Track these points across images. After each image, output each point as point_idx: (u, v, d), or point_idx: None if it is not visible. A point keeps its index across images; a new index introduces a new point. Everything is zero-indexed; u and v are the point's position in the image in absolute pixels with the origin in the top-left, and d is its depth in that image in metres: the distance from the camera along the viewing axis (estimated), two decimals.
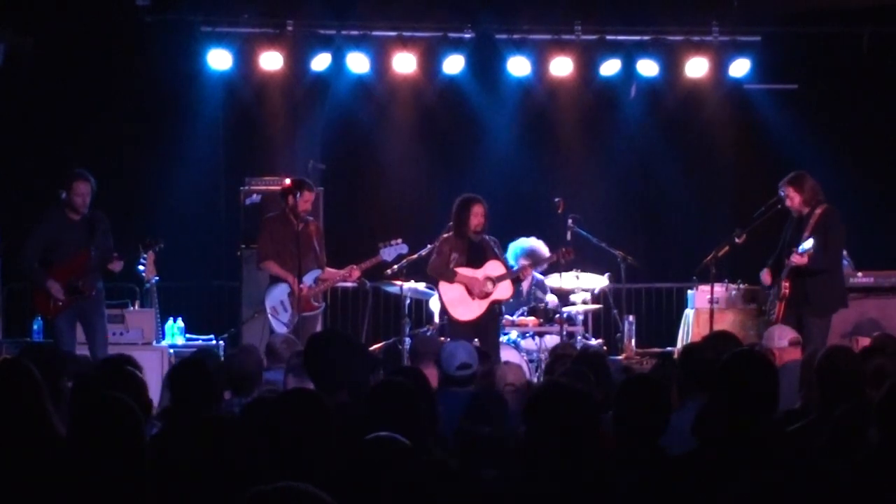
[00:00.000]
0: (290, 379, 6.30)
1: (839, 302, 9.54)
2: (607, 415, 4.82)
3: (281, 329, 9.83)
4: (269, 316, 10.05)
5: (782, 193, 9.54)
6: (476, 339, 9.56)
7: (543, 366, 10.07)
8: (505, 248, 10.71)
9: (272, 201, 10.74)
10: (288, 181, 10.26)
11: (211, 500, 3.88)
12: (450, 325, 10.24)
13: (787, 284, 9.43)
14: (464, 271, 10.11)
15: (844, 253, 10.58)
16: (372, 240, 10.58)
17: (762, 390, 4.32)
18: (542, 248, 10.87)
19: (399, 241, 10.18)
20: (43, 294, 9.58)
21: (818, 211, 9.41)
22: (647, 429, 4.54)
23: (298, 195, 9.95)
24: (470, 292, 10.09)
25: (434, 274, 10.26)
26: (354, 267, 10.16)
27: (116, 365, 5.71)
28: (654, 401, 4.62)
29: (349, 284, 11.88)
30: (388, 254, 10.12)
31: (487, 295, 10.10)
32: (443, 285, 10.21)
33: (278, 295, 10.04)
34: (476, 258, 10.16)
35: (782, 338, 6.86)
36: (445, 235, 10.22)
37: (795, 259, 9.29)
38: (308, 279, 10.04)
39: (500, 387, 6.60)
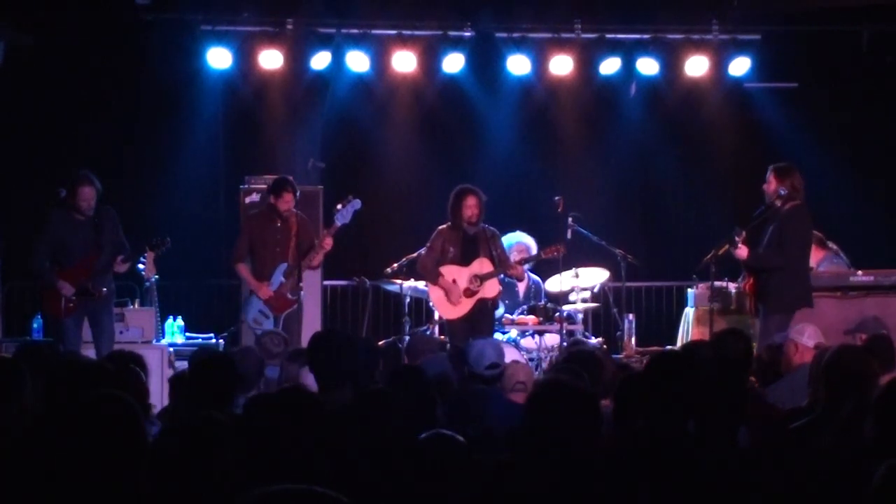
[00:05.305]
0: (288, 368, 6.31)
1: (802, 300, 9.17)
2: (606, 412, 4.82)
3: None
4: (252, 328, 9.99)
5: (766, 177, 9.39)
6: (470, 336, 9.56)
7: (546, 364, 10.08)
8: None
9: None
10: (271, 180, 10.25)
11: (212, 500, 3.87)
12: (446, 323, 10.24)
13: (748, 277, 9.35)
14: (450, 271, 10.08)
15: (840, 251, 10.58)
16: (371, 238, 10.56)
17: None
18: (529, 242, 10.85)
19: (350, 197, 10.02)
20: (54, 294, 9.54)
21: (787, 206, 9.19)
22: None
23: (277, 196, 9.93)
24: (449, 294, 10.05)
25: (422, 272, 10.26)
26: (325, 232, 10.03)
27: (118, 362, 5.71)
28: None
29: (349, 283, 11.88)
30: (342, 217, 9.95)
31: (473, 294, 10.07)
32: (429, 285, 10.22)
33: (255, 305, 10.02)
34: (469, 252, 10.12)
35: (811, 338, 6.82)
36: (441, 228, 10.18)
37: (736, 252, 9.17)
38: (276, 276, 9.99)
39: (510, 385, 6.58)
